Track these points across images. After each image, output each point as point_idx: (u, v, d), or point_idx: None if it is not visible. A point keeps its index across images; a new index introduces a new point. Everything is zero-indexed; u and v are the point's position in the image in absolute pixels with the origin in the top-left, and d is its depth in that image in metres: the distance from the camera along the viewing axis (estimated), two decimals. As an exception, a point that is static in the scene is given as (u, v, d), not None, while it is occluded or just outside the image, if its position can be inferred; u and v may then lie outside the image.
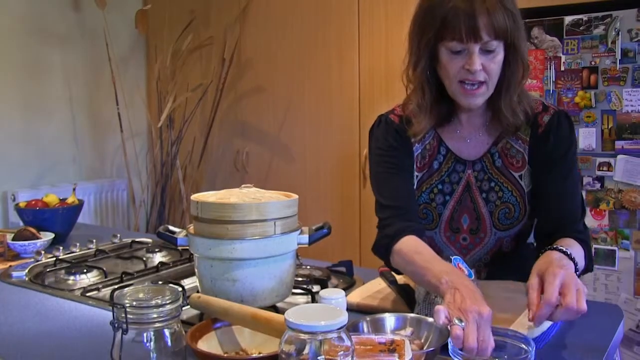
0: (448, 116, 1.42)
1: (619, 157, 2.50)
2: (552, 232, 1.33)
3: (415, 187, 1.44)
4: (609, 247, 2.55)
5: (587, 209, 2.58)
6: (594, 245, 2.57)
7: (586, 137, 2.55)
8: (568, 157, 1.38)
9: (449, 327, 0.97)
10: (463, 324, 0.97)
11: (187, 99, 3.62)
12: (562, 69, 2.58)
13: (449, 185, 1.43)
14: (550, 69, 2.61)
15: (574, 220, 1.35)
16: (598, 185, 2.55)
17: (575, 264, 1.18)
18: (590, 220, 2.57)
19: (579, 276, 1.19)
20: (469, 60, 1.26)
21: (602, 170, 2.54)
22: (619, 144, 2.49)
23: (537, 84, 2.63)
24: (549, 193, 1.37)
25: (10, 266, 1.70)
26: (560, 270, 1.07)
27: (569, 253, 1.19)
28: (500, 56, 1.29)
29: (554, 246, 1.21)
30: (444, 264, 1.17)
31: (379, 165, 1.46)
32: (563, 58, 2.58)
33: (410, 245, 1.29)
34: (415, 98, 1.41)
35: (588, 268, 1.31)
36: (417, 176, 1.44)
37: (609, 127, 2.50)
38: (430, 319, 1.09)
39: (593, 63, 2.51)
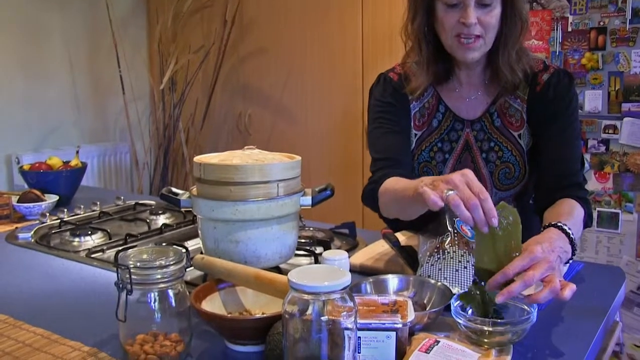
0: (446, 74, 1.42)
1: (625, 119, 2.48)
2: (551, 186, 1.33)
3: (414, 145, 1.45)
4: (613, 210, 2.55)
5: (592, 172, 2.57)
6: (597, 209, 2.57)
7: (592, 100, 2.53)
8: (568, 112, 1.37)
9: (445, 202, 0.95)
10: (454, 191, 0.95)
11: (189, 61, 3.58)
12: (569, 29, 2.54)
13: (448, 144, 1.43)
14: (556, 30, 2.56)
15: (573, 174, 1.35)
16: (603, 148, 2.54)
17: (572, 242, 1.12)
18: (594, 183, 2.56)
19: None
20: (464, 14, 1.26)
21: (608, 133, 2.52)
22: (625, 107, 2.47)
23: (543, 45, 2.60)
24: (548, 147, 1.37)
25: (16, 228, 1.71)
26: (536, 250, 0.98)
27: (567, 230, 1.12)
28: (496, 10, 1.28)
29: (554, 222, 1.14)
30: (421, 179, 1.12)
31: (375, 122, 1.47)
32: (570, 18, 2.53)
33: (393, 181, 1.31)
34: (413, 55, 1.42)
35: (587, 224, 1.31)
36: (416, 134, 1.45)
37: (616, 89, 2.47)
38: (433, 280, 1.10)
39: (602, 23, 2.46)
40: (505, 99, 1.40)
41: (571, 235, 1.13)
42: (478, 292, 0.98)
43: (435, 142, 1.44)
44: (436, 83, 1.43)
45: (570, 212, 1.23)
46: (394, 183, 1.30)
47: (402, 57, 1.48)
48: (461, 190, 0.95)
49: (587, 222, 1.31)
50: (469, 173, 0.97)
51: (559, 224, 1.14)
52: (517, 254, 0.96)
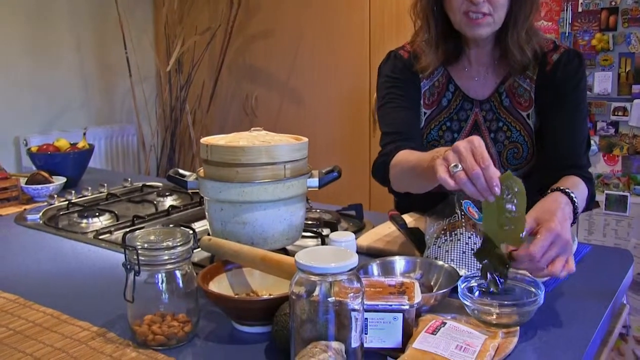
0: (456, 53, 1.42)
1: (636, 101, 2.45)
2: (554, 166, 1.33)
3: (423, 124, 1.45)
4: (621, 193, 2.54)
5: (600, 155, 2.55)
6: (606, 191, 2.55)
7: (602, 81, 2.50)
8: (575, 93, 1.37)
9: (454, 178, 0.92)
10: (460, 167, 0.92)
11: (195, 43, 3.57)
12: (580, 10, 2.50)
13: (457, 123, 1.43)
14: (566, 10, 2.53)
15: (576, 155, 1.35)
16: (612, 131, 2.52)
17: (576, 210, 1.13)
18: (602, 166, 2.55)
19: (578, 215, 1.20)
20: None
21: (617, 115, 2.50)
22: (635, 88, 2.44)
23: (552, 26, 2.57)
24: (554, 127, 1.36)
25: (24, 209, 1.72)
26: (556, 227, 0.99)
27: (573, 197, 1.13)
28: None
29: (560, 187, 1.15)
30: (436, 150, 1.11)
31: (385, 98, 1.47)
32: (581, -1, 2.50)
33: (406, 153, 1.29)
34: (422, 33, 1.42)
35: (589, 207, 1.31)
36: (425, 113, 1.45)
37: (626, 70, 2.44)
38: (440, 262, 1.10)
39: (613, 3, 2.43)
40: (515, 79, 1.39)
41: (576, 204, 1.13)
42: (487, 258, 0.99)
43: (444, 121, 1.44)
44: (446, 62, 1.43)
45: (573, 185, 1.22)
46: (407, 155, 1.28)
47: (412, 35, 1.47)
48: (464, 159, 0.92)
49: (590, 204, 1.31)
50: (475, 140, 0.94)
51: (566, 190, 1.14)
52: (517, 226, 0.95)
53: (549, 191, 1.16)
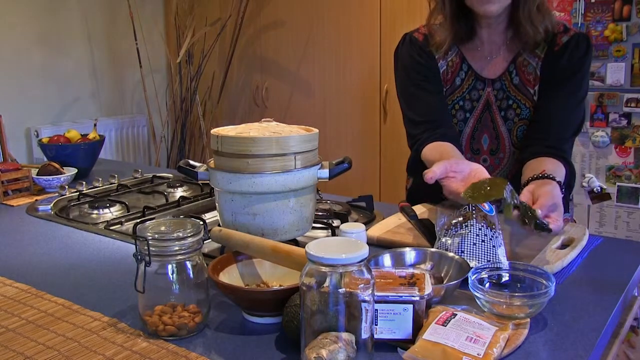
0: (469, 33, 1.44)
1: (649, 92, 2.43)
2: (538, 145, 1.37)
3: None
4: (633, 185, 2.52)
5: (612, 146, 2.53)
6: (617, 183, 2.53)
7: (614, 72, 2.48)
8: (575, 78, 1.40)
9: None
10: None
11: (205, 34, 3.57)
12: (592, 0, 2.48)
13: (469, 103, 1.47)
14: (579, 0, 2.51)
15: (561, 139, 1.38)
16: (624, 122, 2.50)
17: (562, 188, 1.20)
18: (614, 158, 2.53)
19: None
20: None
21: (630, 107, 2.48)
22: (649, 79, 2.42)
23: (565, 16, 2.54)
24: (546, 107, 1.40)
25: (36, 200, 1.73)
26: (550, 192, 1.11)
27: (558, 181, 1.20)
28: None
29: (546, 174, 1.21)
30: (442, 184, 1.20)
31: (406, 83, 1.51)
32: (594, -12, 2.47)
33: (431, 149, 1.38)
34: (437, 14, 1.45)
35: (570, 184, 1.38)
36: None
37: (640, 61, 2.42)
38: (451, 254, 1.09)
39: (626, -7, 2.40)
40: (525, 57, 1.42)
41: (561, 185, 1.20)
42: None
43: (457, 100, 1.47)
44: (459, 42, 1.45)
45: (554, 168, 1.27)
46: (427, 154, 1.38)
47: (427, 17, 1.50)
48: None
49: (571, 183, 1.38)
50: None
51: (551, 175, 1.20)
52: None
53: (532, 177, 1.20)
